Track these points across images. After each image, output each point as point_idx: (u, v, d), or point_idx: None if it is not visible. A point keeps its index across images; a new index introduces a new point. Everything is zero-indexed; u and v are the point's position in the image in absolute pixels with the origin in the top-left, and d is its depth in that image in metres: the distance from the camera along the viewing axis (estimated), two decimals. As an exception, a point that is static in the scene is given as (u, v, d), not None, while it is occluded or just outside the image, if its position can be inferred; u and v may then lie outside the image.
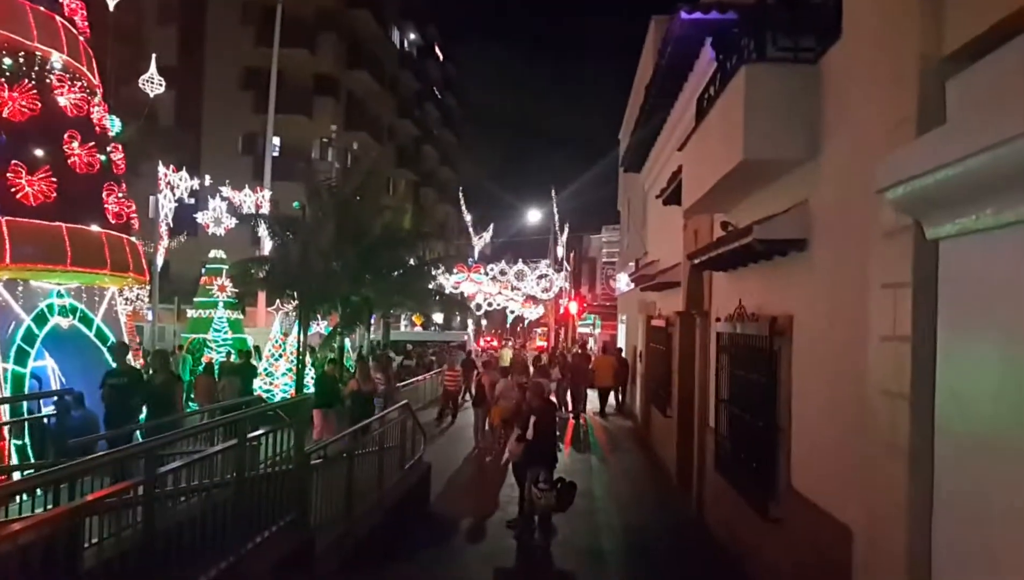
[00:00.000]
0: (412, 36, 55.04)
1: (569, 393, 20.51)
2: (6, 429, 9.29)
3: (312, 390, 14.98)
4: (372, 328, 21.86)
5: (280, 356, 17.86)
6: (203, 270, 22.15)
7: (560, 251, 36.56)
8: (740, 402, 7.79)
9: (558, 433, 11.82)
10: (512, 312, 36.82)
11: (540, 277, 33.14)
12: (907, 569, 4.04)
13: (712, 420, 9.04)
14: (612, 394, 21.49)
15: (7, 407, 9.57)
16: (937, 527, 3.89)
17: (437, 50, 62.01)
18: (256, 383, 16.39)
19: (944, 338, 3.86)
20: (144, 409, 9.70)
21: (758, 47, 6.25)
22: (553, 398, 15.44)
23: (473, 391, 16.92)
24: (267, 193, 22.85)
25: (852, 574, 4.91)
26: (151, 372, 11.28)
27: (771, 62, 6.18)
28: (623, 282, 22.66)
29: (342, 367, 14.36)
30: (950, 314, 3.83)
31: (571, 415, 19.82)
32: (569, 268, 38.88)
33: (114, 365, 10.25)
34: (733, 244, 6.99)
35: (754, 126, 6.11)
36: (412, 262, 18.75)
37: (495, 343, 39.92)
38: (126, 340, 11.84)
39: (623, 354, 21.91)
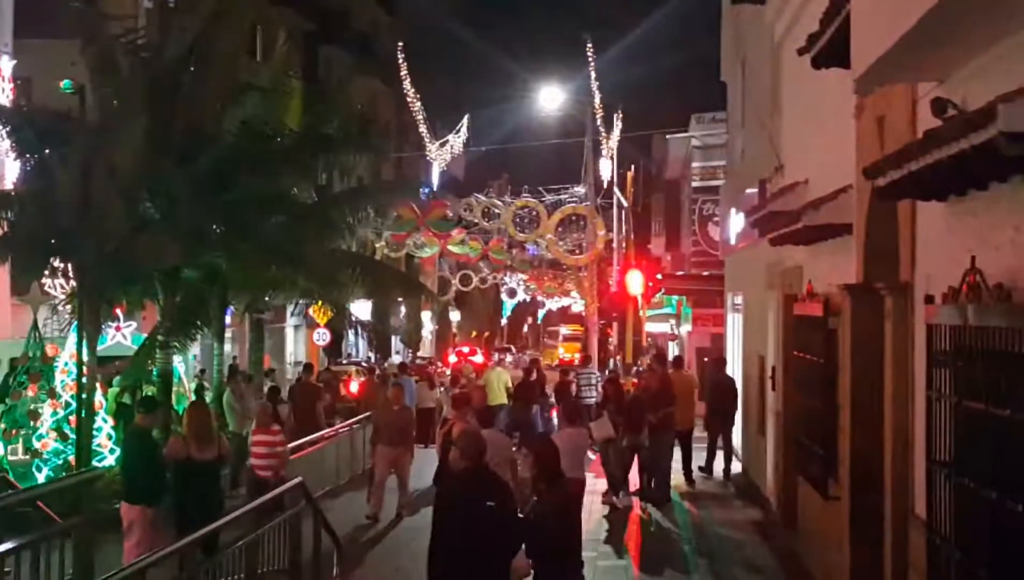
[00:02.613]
0: None
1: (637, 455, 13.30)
2: None
3: (115, 462, 10.56)
4: (228, 332, 15.72)
5: (47, 393, 12.21)
6: None
7: (606, 168, 24.44)
8: (980, 468, 5.27)
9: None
10: (513, 294, 28.47)
11: (568, 220, 21.52)
12: None
13: (921, 503, 6.41)
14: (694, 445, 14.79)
15: None
16: None
17: None
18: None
19: None
20: None
21: None
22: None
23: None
24: (6, 65, 16.85)
25: None
26: None
27: None
28: (735, 227, 15.44)
29: (170, 412, 10.53)
30: None
31: (641, 498, 13.26)
32: (626, 202, 25.71)
33: None
34: (957, 144, 4.75)
35: None
36: (305, 197, 13.80)
37: (477, 358, 27.93)
38: None
39: (726, 367, 15.57)
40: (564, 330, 34.84)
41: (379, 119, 32.86)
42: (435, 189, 27.89)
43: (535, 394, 16.00)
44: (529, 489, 6.38)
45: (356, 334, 23.42)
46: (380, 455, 12.20)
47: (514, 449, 9.90)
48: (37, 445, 11.78)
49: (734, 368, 16.38)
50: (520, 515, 5.99)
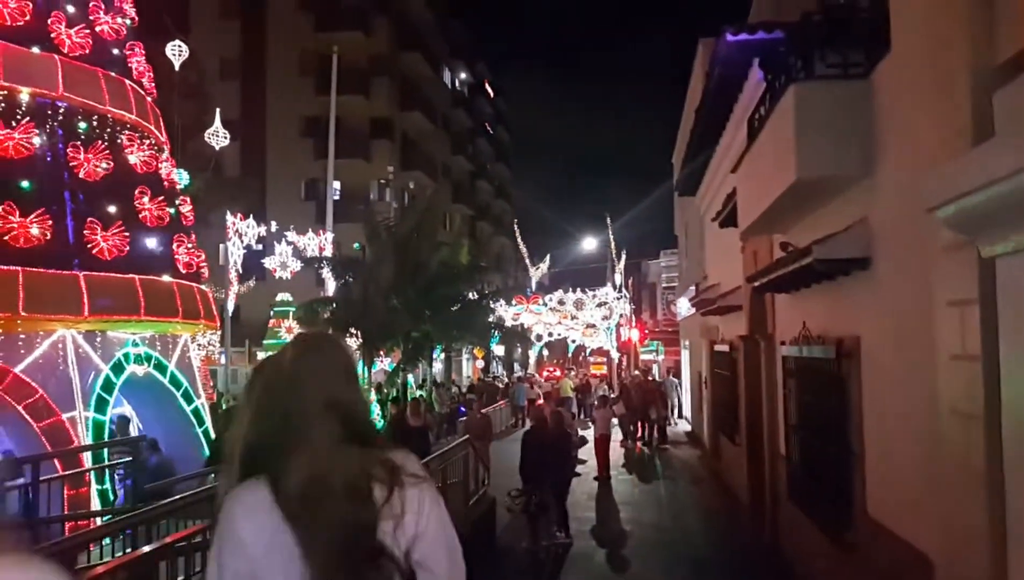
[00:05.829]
0: (463, 75, 56.08)
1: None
2: (91, 475, 9.67)
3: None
4: (434, 363, 22.29)
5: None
6: (271, 313, 22.99)
7: (618, 278, 36.19)
8: (810, 428, 7.59)
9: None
10: (573, 341, 36.59)
11: (599, 305, 33.01)
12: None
13: (783, 447, 8.83)
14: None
15: (89, 454, 9.96)
16: (1012, 554, 3.70)
17: (487, 86, 63.03)
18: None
19: (1006, 357, 3.69)
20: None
21: (806, 65, 6.14)
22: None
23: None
24: (329, 236, 23.31)
25: (932, 605, 4.65)
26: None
27: (820, 79, 6.05)
28: (684, 307, 22.42)
29: (406, 402, 14.69)
30: (1010, 333, 3.67)
31: (638, 442, 19.82)
32: (629, 294, 38.24)
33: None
34: (793, 265, 6.78)
35: (806, 145, 5.98)
36: (471, 296, 19.40)
37: (557, 373, 39.48)
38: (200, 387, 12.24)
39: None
40: (593, 359, 47.03)
41: (505, 258, 52.35)
42: (533, 290, 39.05)
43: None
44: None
45: (496, 361, 41.71)
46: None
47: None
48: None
49: (684, 378, 25.45)
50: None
